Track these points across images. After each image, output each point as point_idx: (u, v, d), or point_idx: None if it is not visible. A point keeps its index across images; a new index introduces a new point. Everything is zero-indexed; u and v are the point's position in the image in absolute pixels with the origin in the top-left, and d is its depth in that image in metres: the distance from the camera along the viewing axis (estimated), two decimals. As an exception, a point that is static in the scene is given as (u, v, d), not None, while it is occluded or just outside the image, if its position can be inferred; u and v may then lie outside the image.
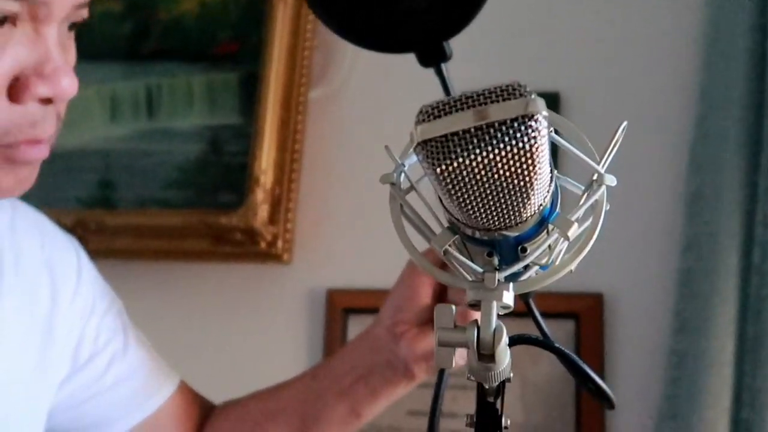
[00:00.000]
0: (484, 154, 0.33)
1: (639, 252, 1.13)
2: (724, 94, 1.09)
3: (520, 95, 0.33)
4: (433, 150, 0.34)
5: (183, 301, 1.30)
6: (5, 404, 0.68)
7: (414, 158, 0.44)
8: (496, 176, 0.34)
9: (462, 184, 0.34)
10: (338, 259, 1.28)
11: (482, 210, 0.36)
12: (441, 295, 0.69)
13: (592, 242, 0.42)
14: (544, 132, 0.33)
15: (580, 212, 0.41)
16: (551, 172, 0.38)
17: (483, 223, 0.37)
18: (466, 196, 0.35)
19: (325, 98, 1.34)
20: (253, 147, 1.28)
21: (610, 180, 0.42)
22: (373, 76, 1.33)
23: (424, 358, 0.68)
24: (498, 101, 0.33)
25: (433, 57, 0.58)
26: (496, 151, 0.33)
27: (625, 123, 0.44)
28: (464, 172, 0.33)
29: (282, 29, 1.33)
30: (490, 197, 0.35)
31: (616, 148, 0.44)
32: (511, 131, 0.33)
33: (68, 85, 0.57)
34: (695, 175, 1.08)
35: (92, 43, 1.42)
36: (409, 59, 1.41)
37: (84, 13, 0.60)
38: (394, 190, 0.43)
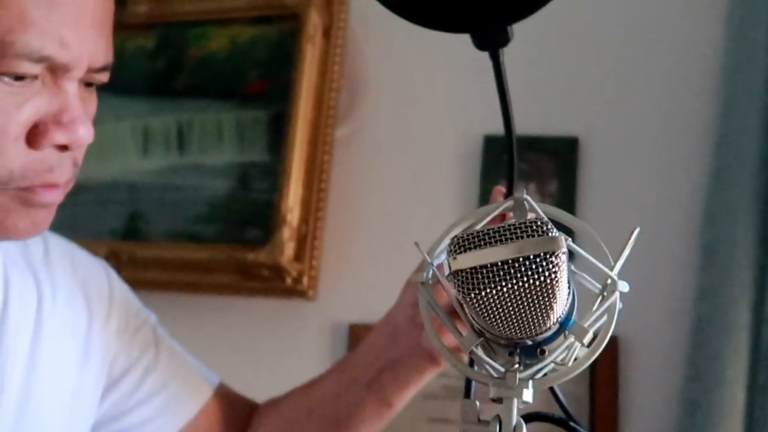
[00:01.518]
0: (510, 285, 0.37)
1: (654, 299, 1.17)
2: (740, 146, 1.11)
3: (543, 233, 0.37)
4: (465, 280, 0.38)
5: (210, 334, 1.35)
6: (49, 423, 0.71)
7: (443, 256, 0.48)
8: (520, 303, 0.38)
9: (489, 309, 0.38)
10: (360, 295, 1.32)
11: (506, 327, 0.40)
12: None
13: (606, 341, 0.46)
14: (564, 266, 0.37)
15: (595, 316, 0.45)
16: (569, 287, 0.42)
17: (506, 335, 0.41)
18: (492, 317, 0.39)
19: (350, 136, 1.38)
20: (281, 185, 1.33)
21: (623, 286, 0.45)
22: (396, 114, 1.38)
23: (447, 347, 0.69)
24: (523, 237, 0.37)
25: (493, 41, 0.52)
26: (521, 282, 0.37)
27: (638, 229, 0.48)
28: (492, 300, 0.38)
29: (310, 69, 1.37)
30: (514, 318, 0.39)
31: (627, 252, 0.48)
32: (534, 266, 0.37)
33: (84, 133, 0.61)
34: (710, 226, 1.11)
35: (126, 78, 1.47)
36: (431, 96, 1.44)
37: (103, 78, 0.64)
38: (423, 290, 0.47)
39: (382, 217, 1.34)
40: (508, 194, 0.62)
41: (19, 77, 0.58)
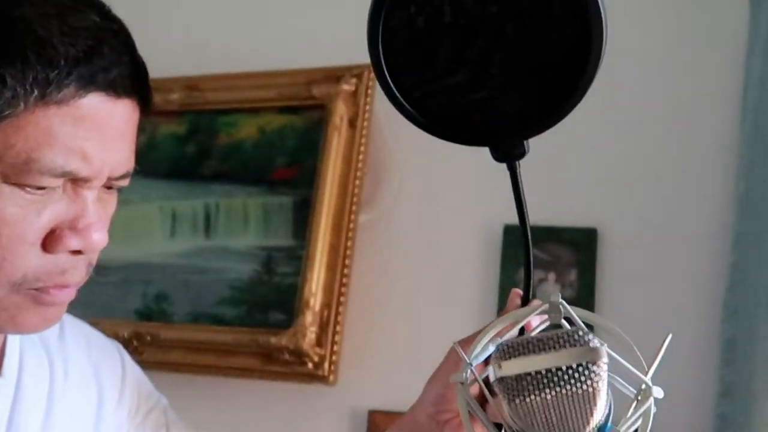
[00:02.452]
0: (554, 392, 0.39)
1: (676, 394, 1.16)
2: (758, 242, 1.14)
3: (585, 343, 0.40)
4: (510, 386, 0.40)
5: (231, 417, 1.35)
6: None
7: (481, 357, 0.50)
8: (562, 409, 0.40)
9: (532, 413, 0.40)
10: (380, 381, 1.33)
11: (547, 431, 0.42)
12: (487, 383, 0.69)
13: (641, 445, 0.47)
14: (604, 375, 0.39)
15: (631, 421, 0.47)
16: (607, 393, 0.44)
17: (547, 439, 0.43)
18: (535, 421, 0.41)
19: (373, 223, 1.42)
20: (305, 270, 1.35)
21: (658, 392, 0.47)
22: (418, 202, 1.41)
23: None
24: (566, 347, 0.39)
25: (510, 154, 0.56)
26: (564, 390, 0.39)
27: (670, 336, 0.50)
28: (535, 405, 0.40)
29: (335, 157, 1.41)
30: (555, 423, 0.41)
31: (660, 357, 0.50)
32: (576, 374, 0.39)
33: (98, 239, 0.62)
34: (730, 321, 1.12)
35: (157, 162, 1.52)
36: (452, 185, 1.47)
37: (123, 183, 0.65)
38: (462, 389, 0.49)
39: (403, 303, 1.36)
40: (525, 297, 0.64)
41: (41, 187, 0.60)
